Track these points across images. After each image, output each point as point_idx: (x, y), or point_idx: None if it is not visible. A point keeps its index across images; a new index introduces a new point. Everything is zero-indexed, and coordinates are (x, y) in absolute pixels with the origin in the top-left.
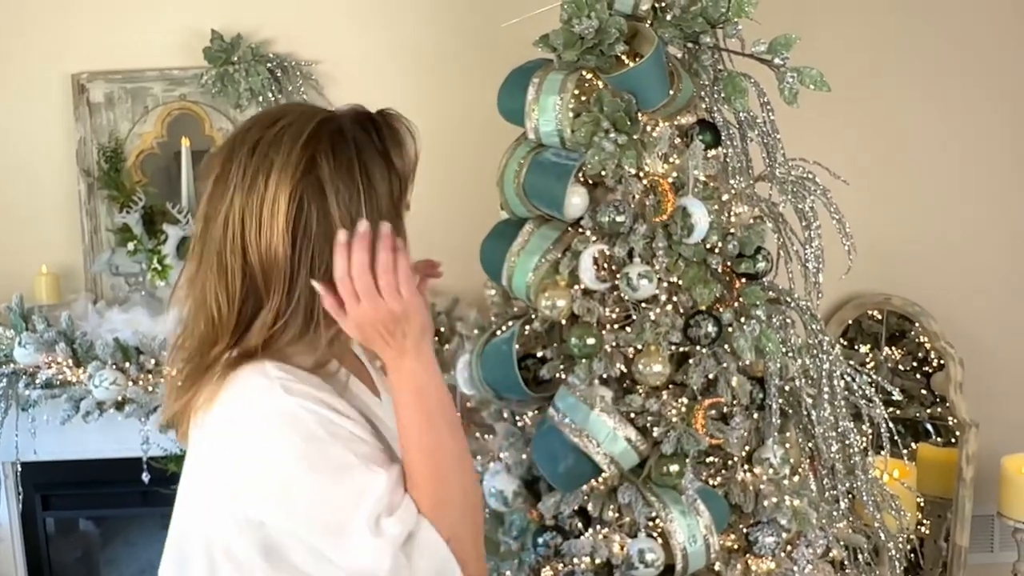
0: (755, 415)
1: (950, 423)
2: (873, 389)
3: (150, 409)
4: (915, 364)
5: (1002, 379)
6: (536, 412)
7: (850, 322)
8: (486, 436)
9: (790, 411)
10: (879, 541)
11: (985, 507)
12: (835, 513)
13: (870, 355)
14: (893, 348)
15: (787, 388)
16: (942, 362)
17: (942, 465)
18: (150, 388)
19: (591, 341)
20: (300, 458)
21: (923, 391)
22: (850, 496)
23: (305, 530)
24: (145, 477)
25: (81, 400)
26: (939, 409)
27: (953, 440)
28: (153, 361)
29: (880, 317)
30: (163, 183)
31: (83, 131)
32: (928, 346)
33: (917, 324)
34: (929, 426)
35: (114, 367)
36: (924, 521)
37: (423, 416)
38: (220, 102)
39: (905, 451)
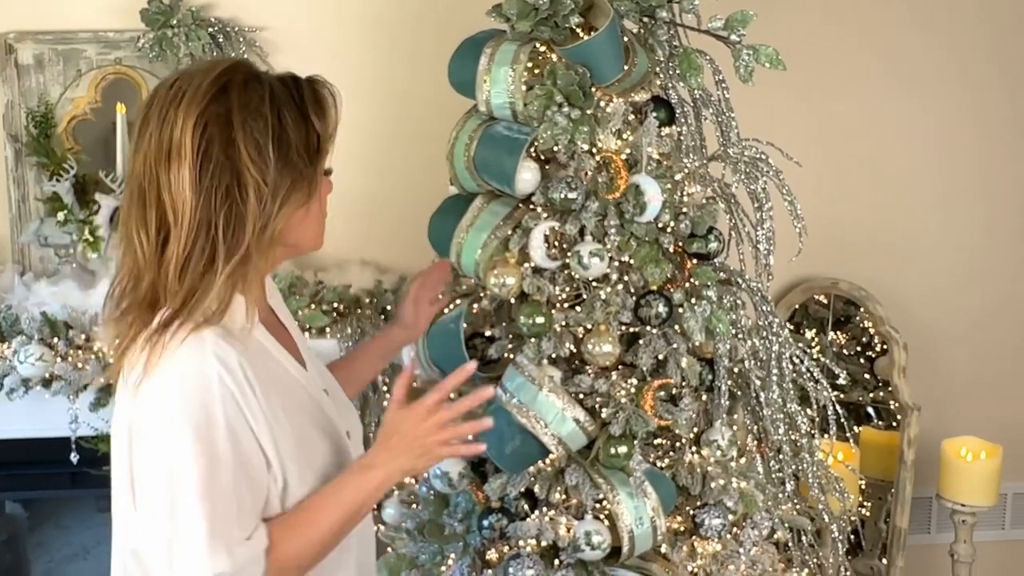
0: (704, 397)
1: (891, 407)
2: (820, 372)
3: (80, 387)
4: (859, 349)
5: (944, 364)
6: None
7: (797, 307)
8: None
9: (739, 393)
10: (822, 523)
11: (924, 489)
12: (781, 495)
13: (815, 339)
14: (838, 333)
15: (736, 370)
16: (885, 347)
17: (883, 448)
18: (79, 365)
19: (540, 320)
20: (194, 478)
21: (866, 375)
22: (795, 478)
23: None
24: (74, 458)
25: (5, 377)
26: (881, 393)
27: (894, 424)
28: (83, 336)
29: (826, 302)
30: (98, 152)
31: (10, 94)
32: (872, 331)
33: (862, 309)
34: (871, 410)
35: (41, 342)
36: (865, 503)
37: (347, 515)
38: (158, 67)
39: (848, 434)
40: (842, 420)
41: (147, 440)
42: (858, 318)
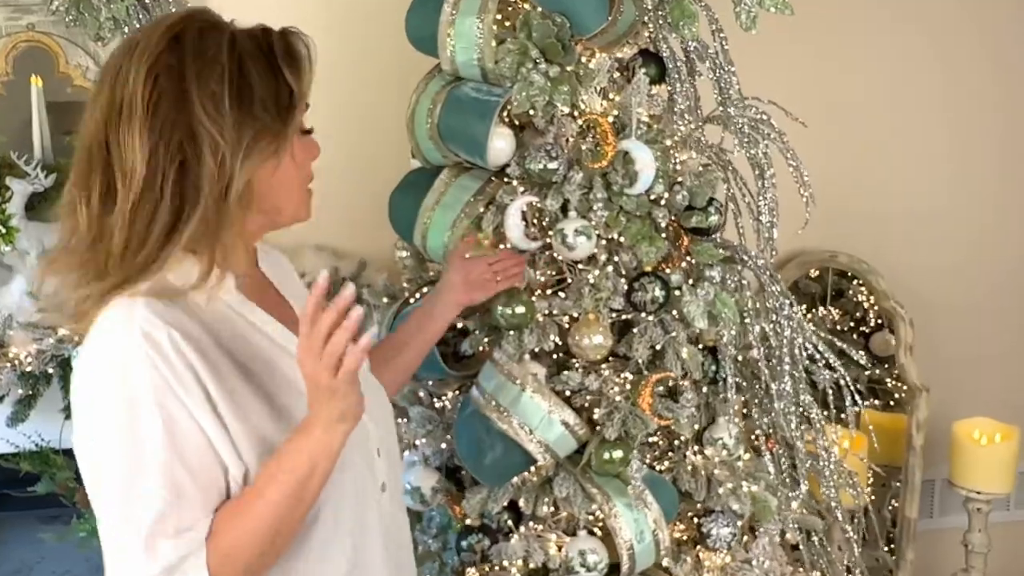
0: (705, 389)
1: (888, 385)
2: (836, 358)
3: None
4: (852, 324)
5: (949, 341)
6: (457, 392)
7: (790, 282)
8: (399, 420)
9: (744, 384)
10: (833, 520)
11: (927, 472)
12: (793, 496)
13: (808, 316)
14: (830, 308)
15: (740, 358)
16: (880, 323)
17: (886, 431)
18: None
19: (520, 310)
20: (115, 454)
21: (861, 353)
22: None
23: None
24: None
25: None
26: (878, 371)
27: (892, 403)
28: None
29: (816, 276)
30: (13, 130)
31: None
32: (867, 306)
33: (856, 282)
34: (863, 389)
35: None
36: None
37: (295, 484)
38: (77, 34)
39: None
40: (859, 410)
41: (75, 427)
42: (851, 292)
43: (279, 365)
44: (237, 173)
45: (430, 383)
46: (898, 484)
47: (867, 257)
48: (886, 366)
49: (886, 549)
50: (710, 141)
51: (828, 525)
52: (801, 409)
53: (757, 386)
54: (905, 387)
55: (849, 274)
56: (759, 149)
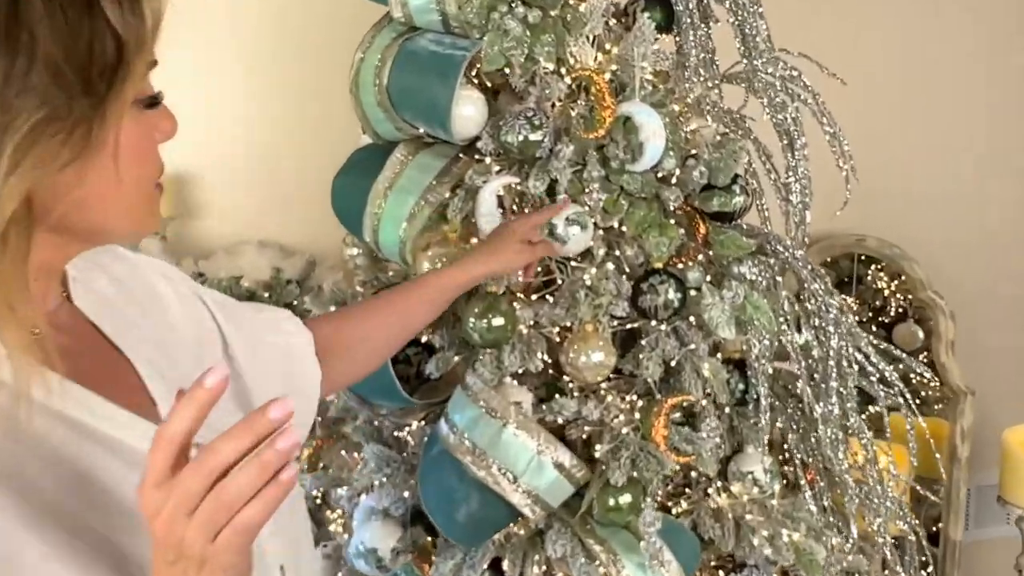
0: (728, 409)
1: (913, 380)
2: (893, 371)
3: None
4: (871, 315)
5: (994, 336)
6: (423, 423)
7: None
8: (355, 454)
9: (776, 403)
10: (876, 553)
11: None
12: (842, 543)
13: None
14: (845, 297)
15: (772, 371)
16: (902, 311)
17: (920, 439)
18: None
19: (498, 321)
20: None
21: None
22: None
23: None
24: None
25: None
26: (901, 366)
27: (917, 401)
28: None
29: (830, 260)
30: None
31: None
32: (887, 294)
33: (874, 267)
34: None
35: None
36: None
37: None
38: None
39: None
40: (928, 439)
41: None
42: (870, 278)
43: (117, 489)
44: (2, 178)
45: (390, 412)
46: (935, 499)
47: (898, 241)
48: (908, 360)
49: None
50: (727, 104)
51: (871, 559)
52: (852, 434)
53: (792, 405)
54: (938, 387)
55: (863, 257)
56: (788, 113)
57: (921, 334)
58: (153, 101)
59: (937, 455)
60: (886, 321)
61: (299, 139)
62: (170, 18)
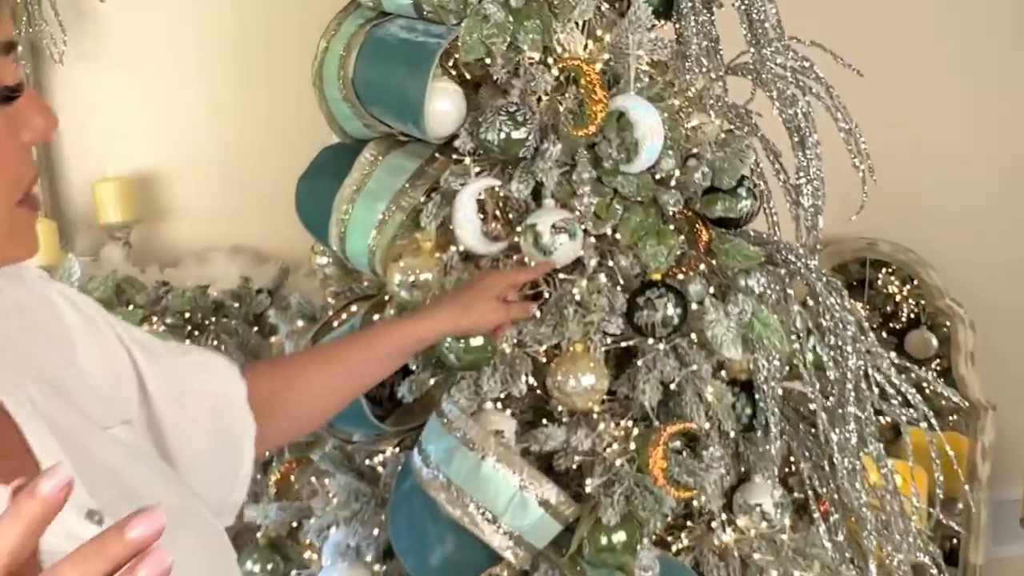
0: (732, 434)
1: (927, 389)
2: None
3: None
4: (881, 321)
5: (1015, 347)
6: (397, 450)
7: None
8: (325, 482)
9: (787, 427)
10: None
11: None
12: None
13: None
14: (852, 301)
15: (783, 395)
16: (914, 318)
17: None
18: None
19: (476, 341)
20: None
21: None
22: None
23: None
24: None
25: None
26: (913, 375)
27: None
28: None
29: (838, 264)
30: None
31: None
32: (899, 299)
33: (885, 271)
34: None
35: None
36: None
37: None
38: None
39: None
40: (950, 459)
41: None
42: (880, 282)
43: None
44: None
45: (360, 439)
46: (955, 527)
47: (911, 245)
48: (921, 368)
49: None
50: (732, 98)
51: None
52: (873, 462)
53: (804, 430)
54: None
55: (872, 260)
56: (799, 108)
57: (935, 341)
58: (11, 94)
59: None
60: (897, 328)
61: (276, 134)
62: (132, 3)
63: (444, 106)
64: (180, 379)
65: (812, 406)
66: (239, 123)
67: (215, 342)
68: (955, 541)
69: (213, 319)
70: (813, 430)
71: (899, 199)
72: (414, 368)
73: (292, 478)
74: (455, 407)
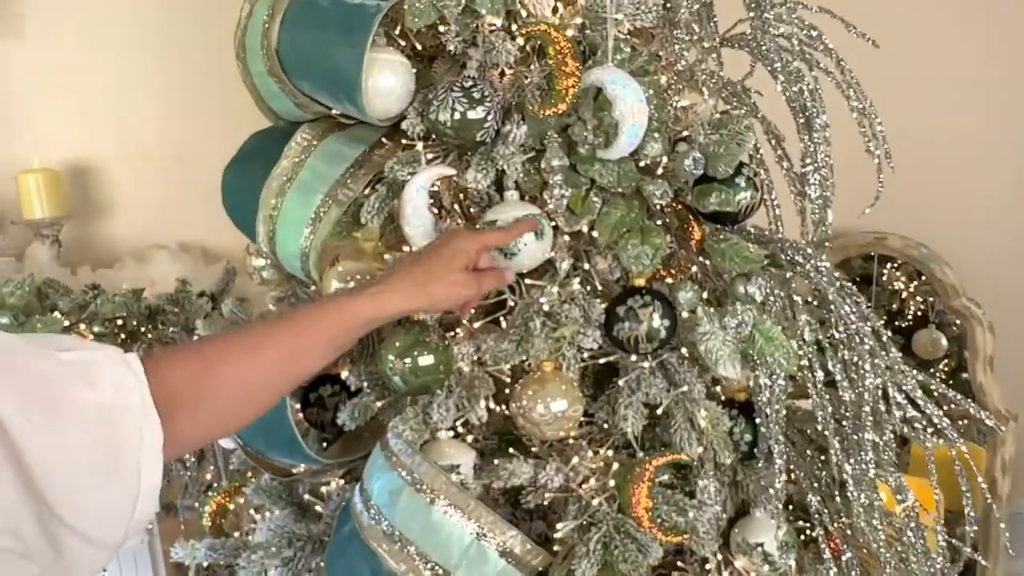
0: (730, 461)
1: (934, 390)
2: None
3: None
4: (886, 319)
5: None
6: (344, 482)
7: None
8: (258, 518)
9: (791, 452)
10: None
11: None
12: None
13: None
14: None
15: (787, 416)
16: (921, 315)
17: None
18: None
19: (426, 360)
20: None
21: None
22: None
23: None
24: None
25: None
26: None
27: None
28: None
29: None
30: None
31: None
32: (905, 296)
33: (890, 266)
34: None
35: None
36: None
37: None
38: None
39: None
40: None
41: None
42: (885, 278)
43: None
44: None
45: (297, 468)
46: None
47: (925, 240)
48: (931, 370)
49: None
50: (728, 74)
51: None
52: (894, 493)
53: (812, 455)
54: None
55: (873, 255)
56: (805, 84)
57: (945, 341)
58: None
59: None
60: (903, 327)
61: (227, 118)
62: None
63: (387, 81)
64: (52, 390)
65: (821, 429)
66: (185, 106)
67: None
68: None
69: (149, 326)
70: (823, 457)
71: (910, 189)
72: (361, 387)
73: (230, 507)
74: (399, 439)
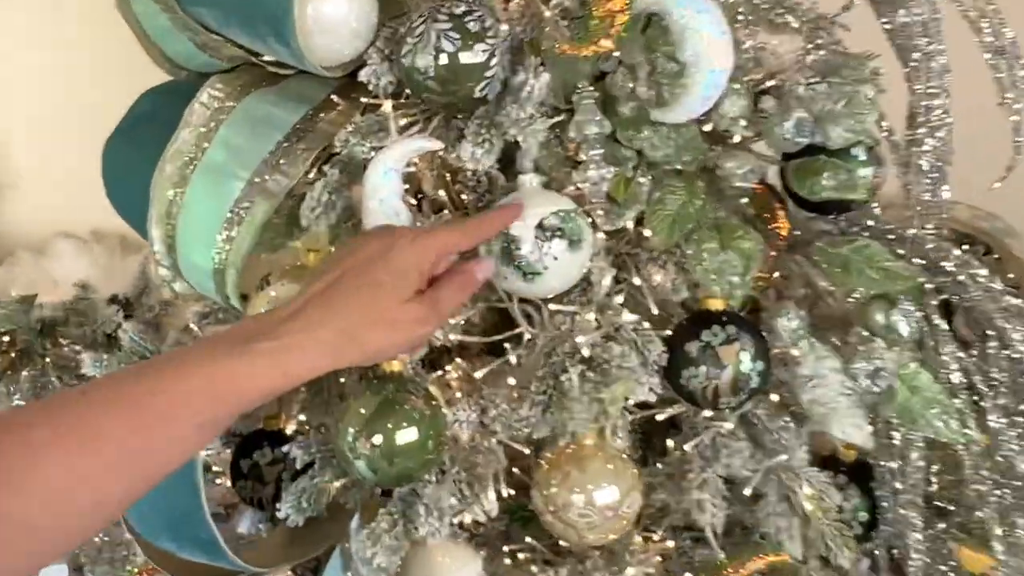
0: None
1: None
2: None
3: None
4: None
5: None
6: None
7: None
8: None
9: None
10: None
11: None
12: None
13: None
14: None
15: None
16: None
17: None
18: None
19: (407, 435)
20: None
21: None
22: None
23: None
24: None
25: None
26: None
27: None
28: None
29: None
30: None
31: None
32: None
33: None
34: None
35: None
36: None
37: None
38: None
39: None
40: None
41: None
42: None
43: None
44: None
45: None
46: None
47: (1001, 211)
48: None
49: None
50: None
51: None
52: None
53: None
54: None
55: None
56: (917, 15)
57: None
58: None
59: None
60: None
61: (143, 85)
62: None
63: (334, 6)
64: None
65: (981, 507)
66: (95, 68)
67: (33, 382)
68: None
69: (47, 342)
70: (964, 536)
71: (978, 150)
72: (307, 460)
73: None
74: (371, 569)
